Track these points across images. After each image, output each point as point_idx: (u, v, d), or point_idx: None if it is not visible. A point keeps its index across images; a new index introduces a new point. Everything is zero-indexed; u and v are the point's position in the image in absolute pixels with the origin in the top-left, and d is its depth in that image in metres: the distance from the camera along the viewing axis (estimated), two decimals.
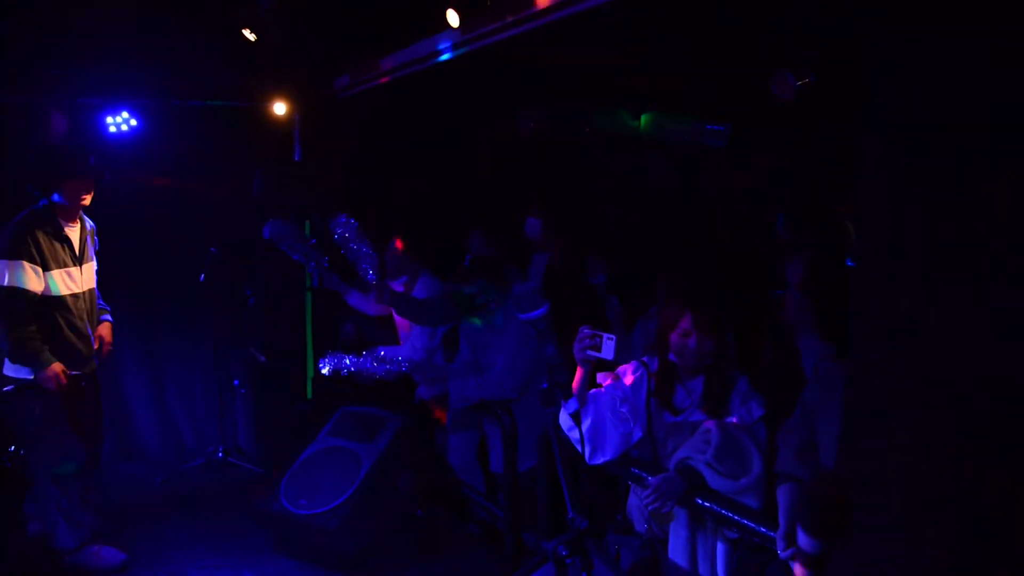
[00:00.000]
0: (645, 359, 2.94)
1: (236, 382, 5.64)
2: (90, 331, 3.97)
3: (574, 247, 5.42)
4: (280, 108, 5.59)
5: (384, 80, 4.78)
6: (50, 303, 3.76)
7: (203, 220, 5.46)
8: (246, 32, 4.17)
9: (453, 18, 3.63)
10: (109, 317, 4.20)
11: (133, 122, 5.29)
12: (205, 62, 4.90)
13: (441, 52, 4.10)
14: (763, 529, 2.37)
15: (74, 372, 3.86)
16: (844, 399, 1.95)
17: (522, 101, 5.69)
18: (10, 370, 3.78)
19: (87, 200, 3.88)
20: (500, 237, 5.08)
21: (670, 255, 5.01)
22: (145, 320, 5.51)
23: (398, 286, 4.94)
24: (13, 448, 5.06)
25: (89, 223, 4.03)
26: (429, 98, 5.13)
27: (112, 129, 5.23)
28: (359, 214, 4.67)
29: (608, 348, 2.71)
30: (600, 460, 2.86)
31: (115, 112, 5.21)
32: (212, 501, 4.82)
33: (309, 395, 5.85)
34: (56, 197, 3.79)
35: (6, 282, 3.61)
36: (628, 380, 2.91)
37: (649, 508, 2.66)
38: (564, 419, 2.87)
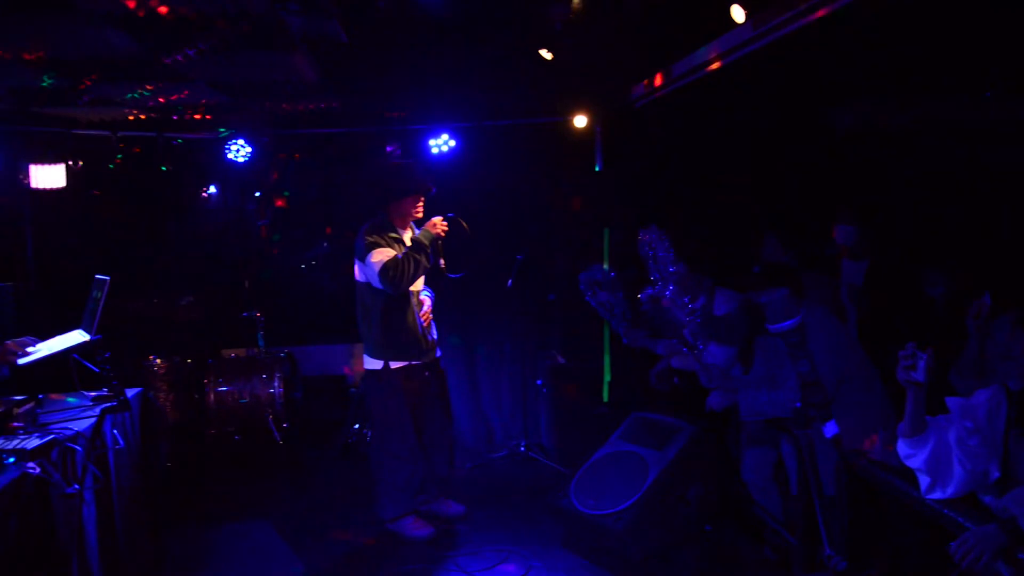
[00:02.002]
0: (1010, 383, 2.52)
1: (539, 381, 5.98)
2: (424, 327, 4.46)
3: (901, 255, 4.85)
4: (580, 121, 5.82)
5: (678, 86, 4.71)
6: (402, 295, 4.31)
7: (511, 229, 5.88)
8: (543, 52, 4.39)
9: (739, 14, 3.46)
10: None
11: (452, 143, 5.92)
12: (510, 84, 5.29)
13: (731, 51, 3.94)
14: None
15: (415, 362, 4.41)
16: None
17: (836, 94, 5.21)
18: (368, 363, 4.44)
19: (419, 211, 4.43)
20: (796, 243, 4.72)
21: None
22: (461, 320, 6.08)
23: (696, 307, 4.84)
24: (357, 426, 5.96)
25: (416, 229, 4.49)
26: (726, 100, 4.95)
27: (434, 151, 5.91)
28: (657, 223, 4.64)
29: (921, 369, 2.43)
30: (939, 496, 2.54)
31: (436, 135, 5.89)
32: (513, 491, 5.17)
33: (605, 398, 5.99)
34: (393, 209, 4.38)
35: (386, 256, 4.14)
36: (982, 408, 2.51)
37: (961, 563, 2.29)
38: (902, 447, 2.60)
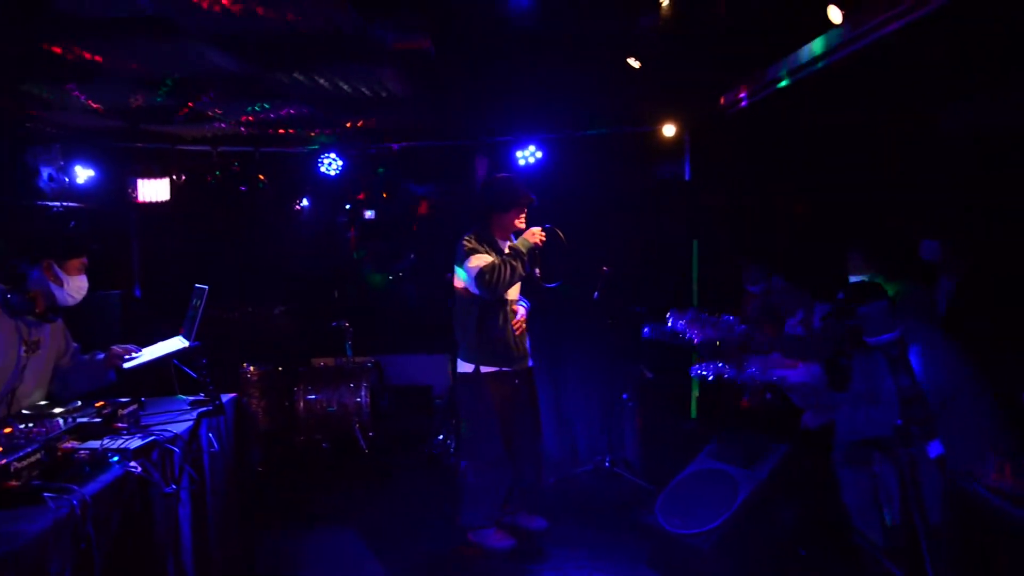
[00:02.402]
0: None
1: (624, 395, 5.87)
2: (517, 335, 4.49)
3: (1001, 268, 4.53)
4: (669, 130, 5.73)
5: (768, 93, 4.57)
6: (497, 302, 4.38)
7: (597, 240, 5.81)
8: (630, 60, 4.34)
9: (835, 15, 3.32)
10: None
11: (539, 154, 5.93)
12: (597, 94, 5.25)
13: (827, 54, 3.78)
14: None
15: (506, 369, 4.43)
16: None
17: (945, 93, 4.93)
18: (460, 367, 4.49)
19: (522, 223, 4.48)
20: (883, 258, 4.44)
21: None
22: (548, 332, 6.03)
23: (793, 322, 4.68)
24: (441, 437, 5.99)
25: (513, 239, 4.52)
26: (822, 105, 4.76)
27: (521, 162, 5.94)
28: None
29: None
30: None
31: (523, 147, 5.91)
32: (597, 507, 5.08)
33: (693, 414, 5.83)
34: (495, 221, 4.45)
35: (484, 261, 4.22)
36: None
37: None
38: None
